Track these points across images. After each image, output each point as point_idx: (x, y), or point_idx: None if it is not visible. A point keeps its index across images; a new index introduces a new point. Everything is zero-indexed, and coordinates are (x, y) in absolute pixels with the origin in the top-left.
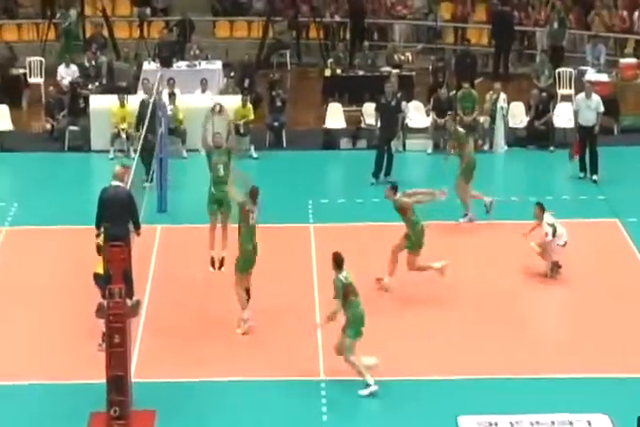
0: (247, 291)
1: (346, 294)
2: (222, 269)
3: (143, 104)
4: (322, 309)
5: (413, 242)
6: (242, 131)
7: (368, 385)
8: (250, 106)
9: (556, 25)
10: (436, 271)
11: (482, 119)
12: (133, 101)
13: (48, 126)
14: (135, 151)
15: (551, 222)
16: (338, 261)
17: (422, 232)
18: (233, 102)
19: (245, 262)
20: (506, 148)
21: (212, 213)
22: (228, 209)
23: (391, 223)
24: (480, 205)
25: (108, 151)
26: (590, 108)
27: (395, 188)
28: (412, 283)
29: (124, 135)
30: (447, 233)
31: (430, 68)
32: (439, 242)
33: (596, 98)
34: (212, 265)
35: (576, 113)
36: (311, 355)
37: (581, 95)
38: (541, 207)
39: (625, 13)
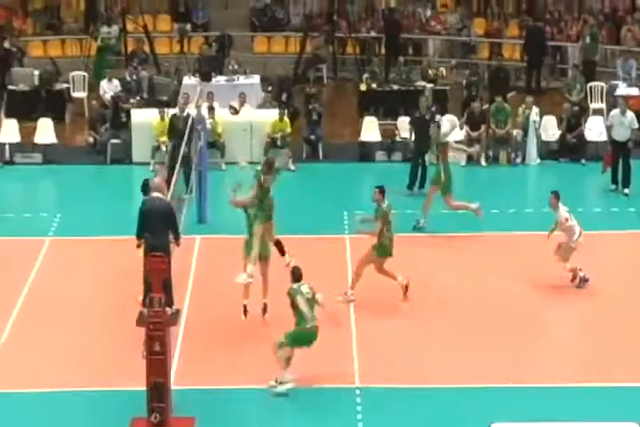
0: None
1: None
2: (265, 315)
3: (175, 118)
4: (357, 317)
5: (383, 250)
6: (279, 144)
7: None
8: (287, 119)
9: (588, 40)
10: (399, 284)
11: (514, 132)
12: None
13: (91, 140)
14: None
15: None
16: (297, 276)
17: (391, 241)
18: (270, 116)
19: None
20: (538, 160)
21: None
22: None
23: (425, 234)
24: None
25: (148, 164)
26: (624, 125)
27: (382, 191)
28: (443, 294)
29: (164, 148)
30: (488, 244)
31: (464, 82)
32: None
33: (630, 114)
34: (245, 314)
35: (609, 128)
36: (346, 363)
37: (616, 111)
38: (557, 195)
39: None
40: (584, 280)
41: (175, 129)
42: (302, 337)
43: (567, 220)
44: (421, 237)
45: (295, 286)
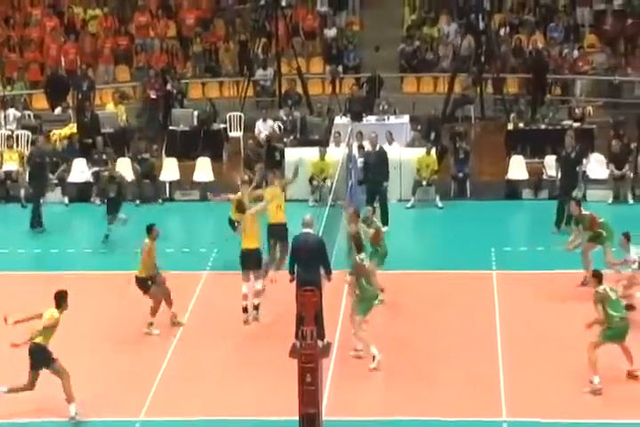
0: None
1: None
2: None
3: (366, 153)
4: (504, 350)
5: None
6: (425, 183)
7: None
8: (434, 154)
9: None
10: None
11: None
12: (332, 154)
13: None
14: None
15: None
16: (358, 245)
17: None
18: (419, 154)
19: None
20: None
21: None
22: None
23: (571, 271)
24: None
25: (302, 200)
26: None
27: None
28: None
29: (323, 185)
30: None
31: (611, 121)
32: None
33: None
34: None
35: None
36: (494, 395)
37: None
38: (627, 237)
39: None
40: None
41: (368, 164)
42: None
43: (634, 262)
44: (576, 275)
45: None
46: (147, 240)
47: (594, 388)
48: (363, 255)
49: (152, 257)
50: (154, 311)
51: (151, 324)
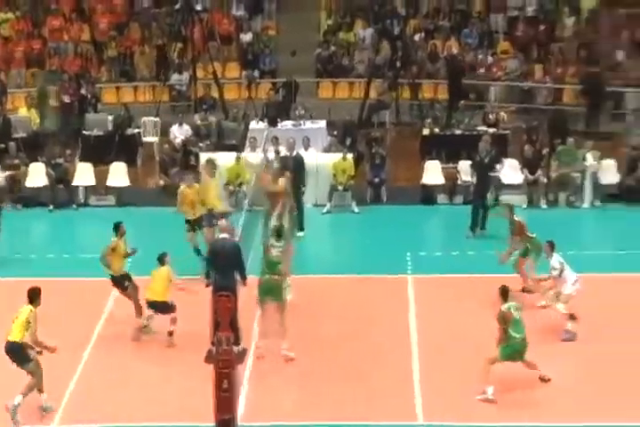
0: None
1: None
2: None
3: (285, 159)
4: (420, 355)
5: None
6: (341, 188)
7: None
8: (350, 159)
9: None
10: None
11: (575, 175)
12: (247, 159)
13: (162, 182)
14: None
15: (560, 261)
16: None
17: None
18: (335, 159)
19: None
20: (597, 203)
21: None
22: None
23: (485, 275)
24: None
25: None
26: None
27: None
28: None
29: (239, 191)
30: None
31: (524, 126)
32: None
33: None
34: None
35: None
36: (409, 399)
37: None
38: (551, 245)
39: None
40: (572, 318)
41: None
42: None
43: (553, 270)
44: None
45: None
46: (114, 238)
47: (486, 398)
48: None
49: (120, 255)
50: (139, 311)
51: (145, 326)
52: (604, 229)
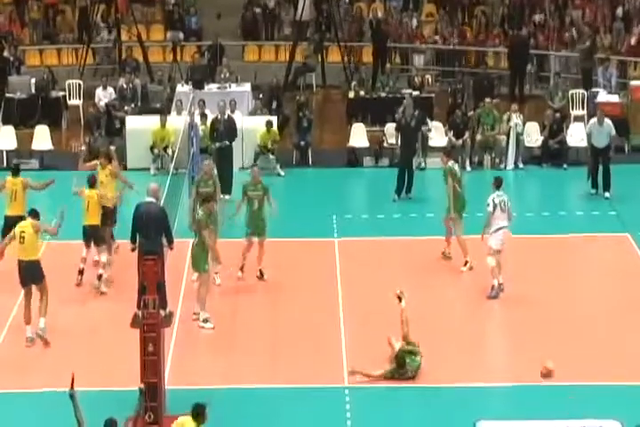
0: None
1: None
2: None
3: (217, 121)
4: (346, 316)
5: None
6: (264, 151)
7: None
8: (274, 130)
9: (586, 49)
10: None
11: (500, 138)
12: (173, 123)
13: (83, 148)
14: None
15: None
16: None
17: None
18: (261, 123)
19: None
20: (521, 165)
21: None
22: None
23: (411, 237)
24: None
25: (144, 169)
26: (602, 133)
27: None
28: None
29: (164, 154)
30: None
31: (449, 90)
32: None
33: (607, 123)
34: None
35: (589, 135)
36: (335, 364)
37: (593, 120)
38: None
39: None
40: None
41: (217, 132)
42: None
43: (488, 205)
44: (417, 241)
45: None
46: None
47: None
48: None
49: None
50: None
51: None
52: (527, 191)
